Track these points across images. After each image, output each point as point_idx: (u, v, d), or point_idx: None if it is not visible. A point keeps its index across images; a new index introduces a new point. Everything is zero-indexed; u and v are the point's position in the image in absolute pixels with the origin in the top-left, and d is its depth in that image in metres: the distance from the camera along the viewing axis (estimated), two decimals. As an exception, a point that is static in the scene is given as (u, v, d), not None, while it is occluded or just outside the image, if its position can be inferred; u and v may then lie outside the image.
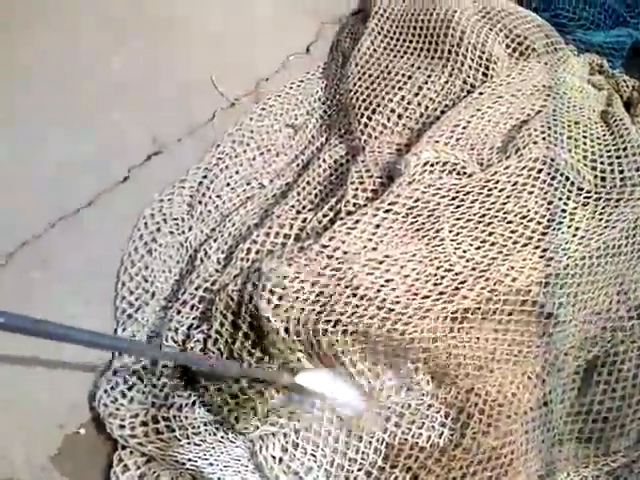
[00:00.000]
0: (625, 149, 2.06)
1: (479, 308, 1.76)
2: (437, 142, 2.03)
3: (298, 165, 2.43)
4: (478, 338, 1.77)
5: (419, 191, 1.87)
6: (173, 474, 1.66)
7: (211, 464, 1.64)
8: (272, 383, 1.66)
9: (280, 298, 1.69)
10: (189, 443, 1.64)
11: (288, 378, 1.62)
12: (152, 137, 2.33)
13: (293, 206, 2.18)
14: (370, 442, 1.71)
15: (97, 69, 2.38)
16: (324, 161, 2.34)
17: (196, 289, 1.92)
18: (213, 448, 1.65)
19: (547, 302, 1.79)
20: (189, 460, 1.63)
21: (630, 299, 1.92)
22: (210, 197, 2.23)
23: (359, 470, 1.69)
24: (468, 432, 1.74)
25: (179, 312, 1.87)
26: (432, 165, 1.94)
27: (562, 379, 1.89)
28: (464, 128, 2.10)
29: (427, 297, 1.72)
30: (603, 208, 1.94)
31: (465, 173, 1.94)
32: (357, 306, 1.65)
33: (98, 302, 1.95)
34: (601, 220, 1.91)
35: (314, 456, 1.68)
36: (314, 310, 1.66)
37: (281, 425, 1.67)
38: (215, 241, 2.09)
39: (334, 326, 1.62)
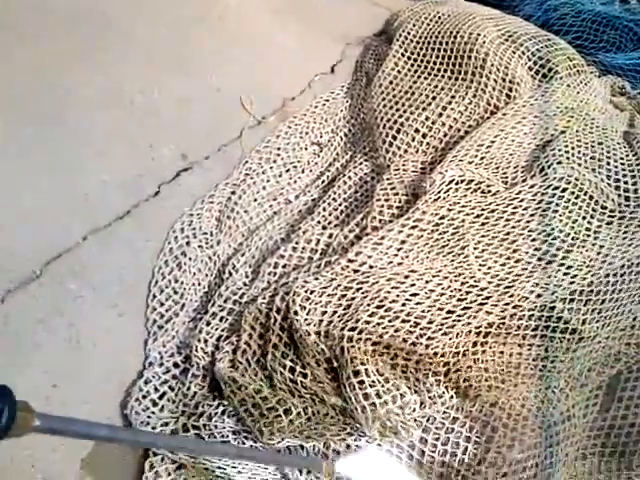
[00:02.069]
0: (648, 168, 2.09)
1: (503, 323, 1.79)
2: (462, 161, 2.07)
3: (323, 182, 2.48)
4: (502, 352, 1.80)
5: (444, 208, 1.92)
6: (203, 481, 1.70)
7: (239, 472, 1.67)
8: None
9: (309, 312, 1.73)
10: (218, 451, 1.67)
11: (328, 467, 1.61)
12: (182, 154, 2.39)
13: (319, 222, 2.22)
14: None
15: (136, 96, 2.44)
16: (349, 178, 2.38)
17: (225, 301, 1.97)
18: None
19: (571, 318, 1.81)
20: (218, 468, 1.66)
21: (653, 316, 1.94)
22: (238, 212, 2.28)
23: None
24: (493, 446, 1.75)
25: (208, 324, 1.91)
26: (457, 183, 1.98)
27: (585, 394, 1.91)
28: (488, 147, 2.14)
29: (452, 312, 1.75)
30: (627, 227, 1.97)
31: (490, 191, 1.98)
32: (382, 318, 1.69)
33: (130, 314, 1.99)
34: (625, 238, 1.94)
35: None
36: (341, 320, 1.69)
37: (308, 437, 1.70)
38: (243, 255, 2.14)
39: (359, 334, 1.65)
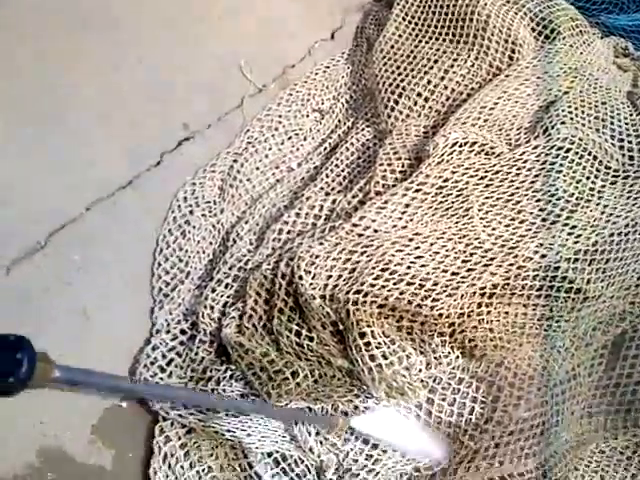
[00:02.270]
0: (653, 128, 2.08)
1: (508, 284, 1.80)
2: (465, 123, 2.06)
3: (325, 149, 2.47)
4: (507, 313, 1.81)
5: (448, 171, 1.91)
6: (213, 444, 1.71)
7: (249, 435, 1.68)
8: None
9: (314, 277, 1.73)
10: (227, 415, 1.69)
11: (343, 422, 1.63)
12: (183, 123, 2.38)
13: (322, 188, 2.22)
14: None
15: (135, 66, 2.43)
16: (351, 144, 2.38)
17: (230, 268, 1.97)
18: (251, 420, 1.69)
19: (576, 278, 1.81)
20: (228, 431, 1.67)
21: (658, 276, 1.95)
22: (241, 180, 2.27)
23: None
24: (499, 405, 1.77)
25: (214, 290, 1.92)
26: (461, 146, 1.98)
27: (591, 353, 1.92)
28: (491, 110, 2.13)
29: (456, 274, 1.76)
30: (631, 186, 1.96)
31: (494, 153, 1.97)
32: (387, 280, 1.69)
33: (135, 282, 2.00)
34: (629, 198, 1.94)
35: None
36: (346, 284, 1.70)
37: (315, 399, 1.71)
38: (247, 223, 2.14)
39: (364, 297, 1.66)
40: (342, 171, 2.29)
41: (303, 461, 1.73)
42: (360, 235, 1.83)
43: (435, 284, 1.72)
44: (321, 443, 1.71)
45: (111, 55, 2.41)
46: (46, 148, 2.11)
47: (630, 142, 2.05)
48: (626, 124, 2.11)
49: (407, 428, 1.73)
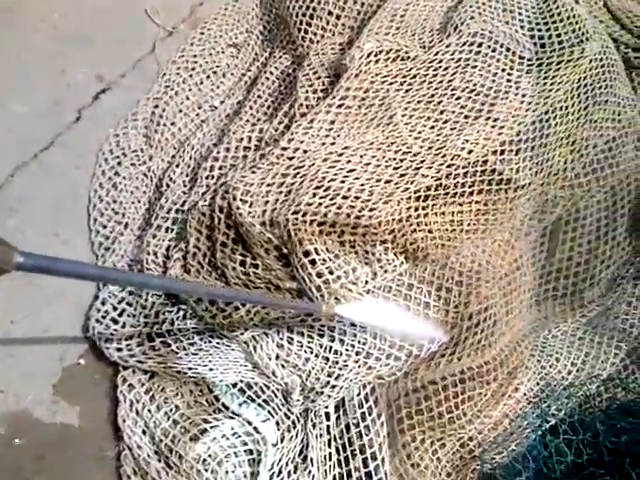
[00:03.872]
0: (559, 14, 2.10)
1: (440, 184, 1.82)
2: (378, 33, 2.05)
3: (246, 82, 2.44)
4: (444, 213, 1.85)
5: (367, 81, 1.92)
6: (177, 384, 1.73)
7: (211, 369, 1.70)
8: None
9: (251, 205, 1.73)
10: (187, 354, 1.71)
11: (327, 309, 1.62)
12: (96, 76, 2.32)
13: (248, 120, 2.20)
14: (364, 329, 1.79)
15: (40, 22, 2.35)
16: (271, 73, 2.35)
17: (167, 212, 1.96)
18: (211, 355, 1.72)
19: (504, 169, 1.86)
20: (190, 369, 1.69)
21: (583, 156, 2.00)
22: (165, 125, 2.24)
23: (357, 355, 1.74)
24: (450, 307, 1.81)
25: (155, 236, 1.91)
26: (376, 55, 1.98)
27: (530, 243, 1.99)
28: (402, 17, 2.13)
29: (390, 181, 1.78)
30: (546, 73, 1.99)
31: (409, 57, 1.98)
32: (323, 197, 1.70)
33: (74, 240, 1.98)
34: (545, 84, 1.97)
35: (310, 348, 1.75)
36: (284, 206, 1.71)
37: (269, 324, 1.74)
38: (177, 166, 2.12)
39: (303, 216, 1.67)
40: (265, 101, 2.27)
41: (269, 387, 1.76)
42: (291, 158, 1.83)
43: (370, 194, 1.74)
44: (283, 366, 1.74)
45: (14, 13, 2.32)
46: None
47: (540, 30, 2.08)
48: (534, 13, 2.13)
49: (392, 313, 1.76)
